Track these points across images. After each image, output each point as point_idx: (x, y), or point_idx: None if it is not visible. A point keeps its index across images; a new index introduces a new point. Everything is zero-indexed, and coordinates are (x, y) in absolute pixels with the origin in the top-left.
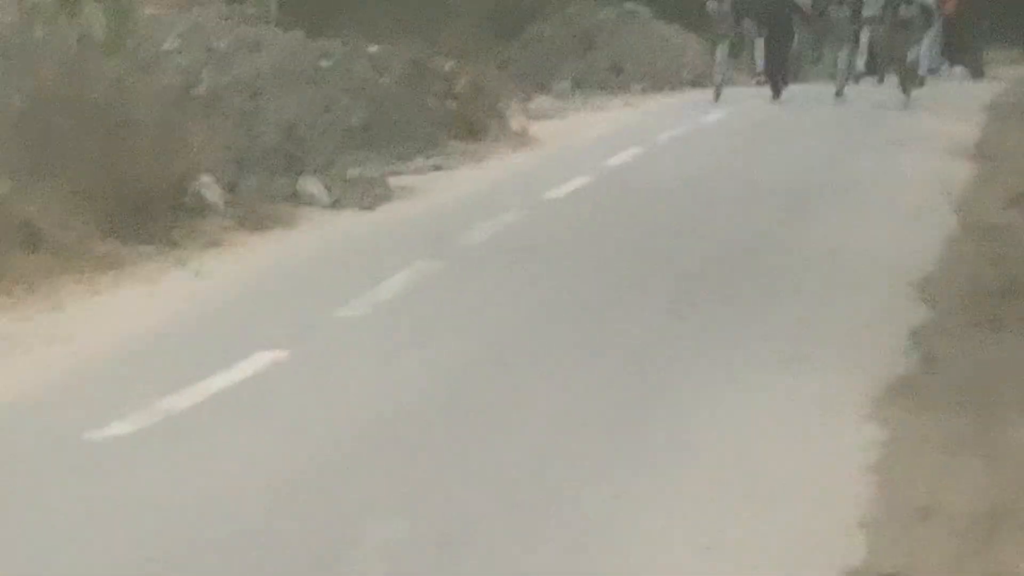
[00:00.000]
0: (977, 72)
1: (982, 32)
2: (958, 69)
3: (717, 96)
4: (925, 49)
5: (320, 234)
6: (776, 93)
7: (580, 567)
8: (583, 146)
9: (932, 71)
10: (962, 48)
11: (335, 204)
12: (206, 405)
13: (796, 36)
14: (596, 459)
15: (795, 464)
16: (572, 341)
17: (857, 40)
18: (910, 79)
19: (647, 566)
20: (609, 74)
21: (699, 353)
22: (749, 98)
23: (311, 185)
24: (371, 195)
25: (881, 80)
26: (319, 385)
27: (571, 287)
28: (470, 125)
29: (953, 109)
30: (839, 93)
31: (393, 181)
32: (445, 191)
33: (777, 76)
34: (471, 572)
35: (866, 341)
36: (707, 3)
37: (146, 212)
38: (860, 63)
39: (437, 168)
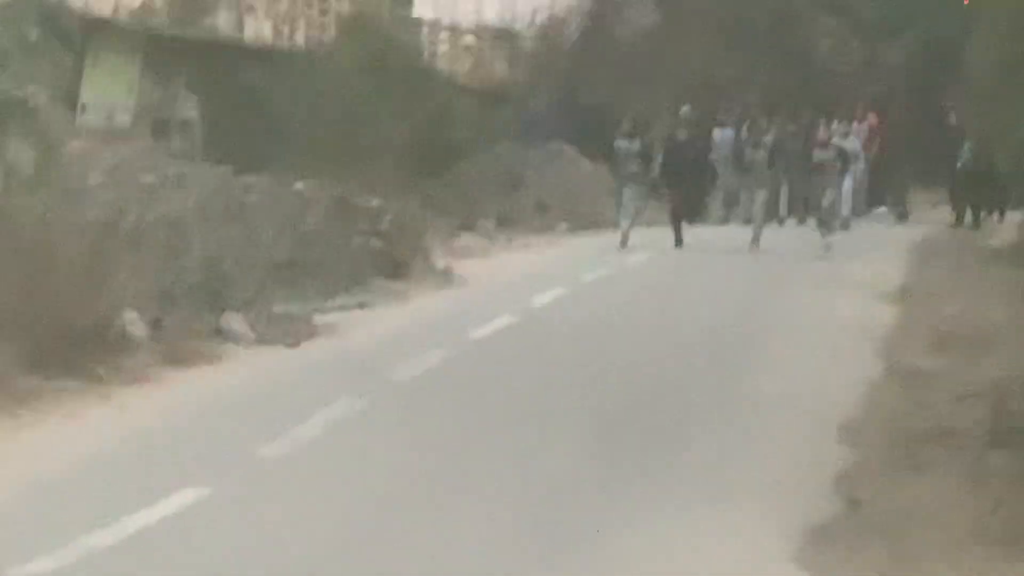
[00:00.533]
0: (902, 215)
1: (906, 175)
2: (883, 211)
3: (624, 242)
4: (848, 192)
5: (244, 371)
6: (678, 241)
7: None
8: (508, 285)
9: (858, 214)
10: (887, 191)
11: (259, 340)
12: (129, 542)
13: (717, 179)
14: None
15: None
16: (495, 481)
17: (777, 184)
18: (827, 224)
19: None
20: (535, 212)
21: (623, 494)
22: (669, 241)
23: (235, 321)
24: (295, 332)
25: (801, 222)
26: (241, 524)
27: (495, 427)
28: (395, 263)
29: (878, 251)
30: (755, 241)
31: (317, 318)
32: (369, 329)
33: (678, 223)
34: None
35: (790, 484)
36: (616, 141)
37: (70, 347)
38: (783, 206)
39: (362, 306)
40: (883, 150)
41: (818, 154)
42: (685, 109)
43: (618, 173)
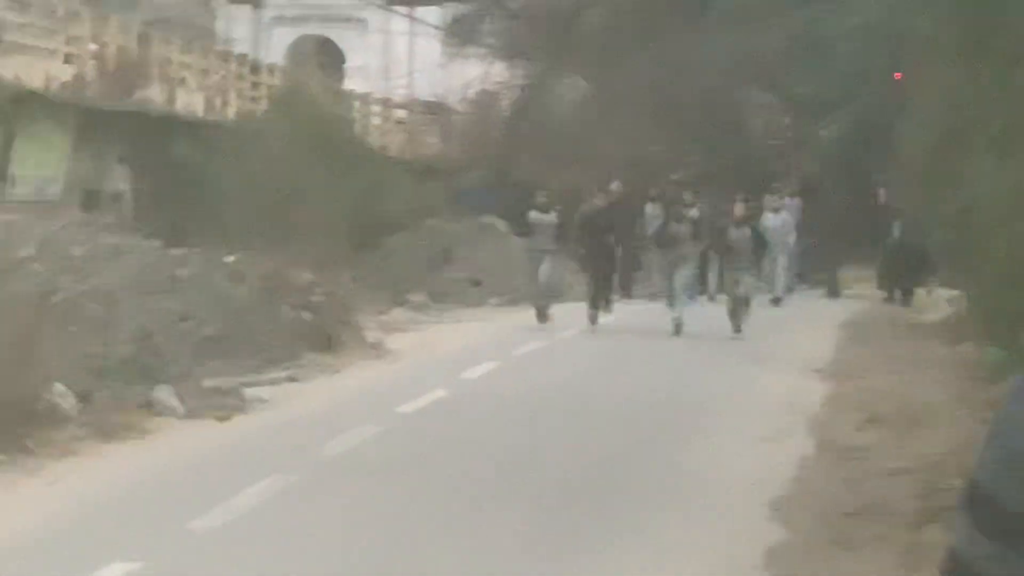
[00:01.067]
0: (833, 291)
1: (837, 252)
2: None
3: (542, 318)
4: (781, 268)
5: (175, 444)
6: (592, 319)
7: None
8: (439, 359)
9: (790, 289)
10: (820, 267)
11: (190, 414)
12: None
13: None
14: None
15: None
16: (428, 557)
17: (704, 260)
18: (739, 310)
19: None
20: (466, 287)
21: (562, 568)
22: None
23: (166, 395)
24: (226, 406)
25: (711, 299)
26: None
27: (426, 503)
28: (326, 337)
29: (809, 327)
30: (675, 323)
31: (248, 392)
32: (300, 403)
33: (598, 299)
34: None
35: (722, 562)
36: (529, 213)
37: None
38: (712, 282)
39: (292, 379)
40: (810, 225)
41: (733, 233)
42: (615, 185)
43: (532, 247)
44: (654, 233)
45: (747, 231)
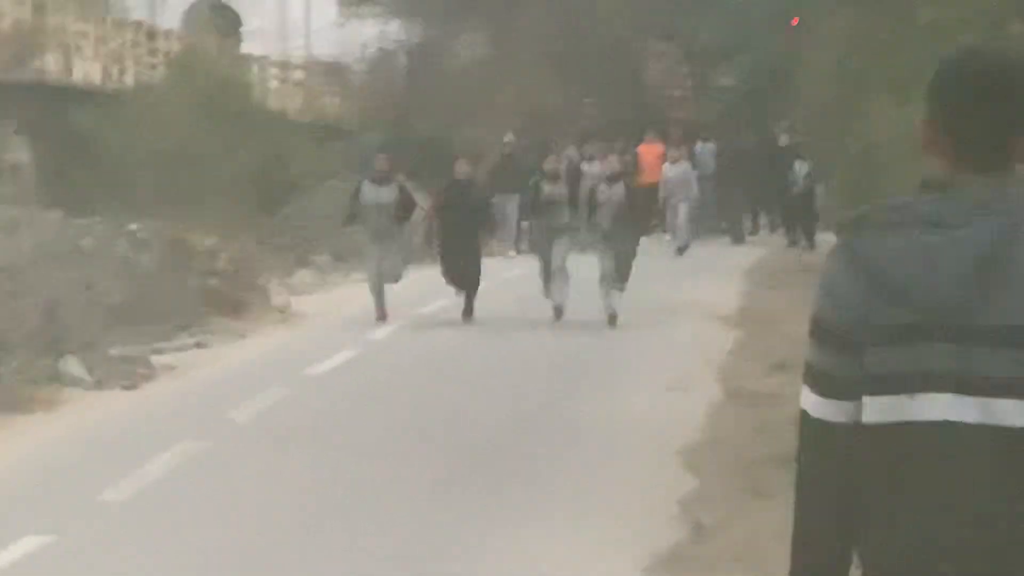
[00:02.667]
0: (738, 237)
1: (740, 198)
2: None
3: (380, 313)
4: (685, 217)
5: (84, 415)
6: (468, 312)
7: None
8: (345, 320)
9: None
10: (724, 214)
11: (98, 384)
12: None
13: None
14: None
15: None
16: (344, 517)
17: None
18: (611, 290)
19: None
20: None
21: (472, 525)
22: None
23: (73, 366)
24: (134, 374)
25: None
26: (87, 570)
27: (338, 463)
28: (232, 302)
29: (714, 275)
30: (557, 311)
31: (156, 359)
32: (208, 369)
33: (462, 283)
34: None
35: (636, 510)
36: (362, 186)
37: None
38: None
39: (200, 345)
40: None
41: (603, 191)
42: (508, 137)
43: (367, 226)
44: (524, 199)
45: (620, 189)
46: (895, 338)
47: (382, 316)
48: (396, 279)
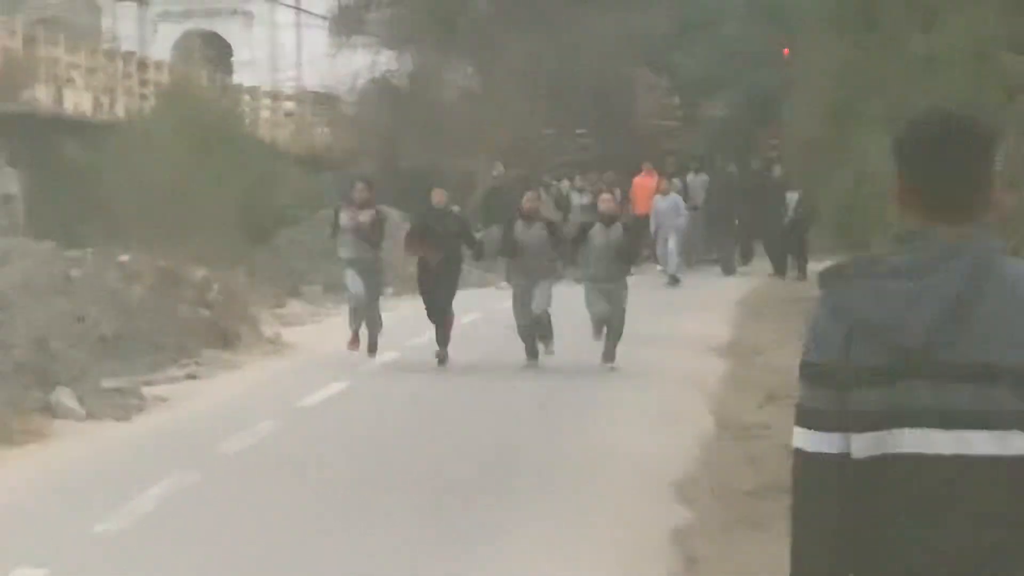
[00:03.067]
0: (728, 268)
1: (731, 229)
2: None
3: (364, 344)
4: (675, 248)
5: (75, 447)
6: (441, 356)
7: None
8: (337, 352)
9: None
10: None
11: (90, 415)
12: None
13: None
14: None
15: None
16: (333, 549)
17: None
18: (609, 332)
19: None
20: None
21: (460, 555)
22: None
23: (65, 397)
24: (126, 406)
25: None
26: None
27: (329, 496)
28: (223, 333)
29: (706, 306)
30: (531, 362)
31: (147, 391)
32: (200, 400)
33: (437, 322)
34: None
35: (628, 543)
36: (340, 213)
37: None
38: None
39: (191, 377)
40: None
41: (597, 237)
42: (498, 169)
43: (344, 255)
44: (497, 239)
45: (618, 231)
46: (875, 378)
47: (355, 342)
48: (375, 305)
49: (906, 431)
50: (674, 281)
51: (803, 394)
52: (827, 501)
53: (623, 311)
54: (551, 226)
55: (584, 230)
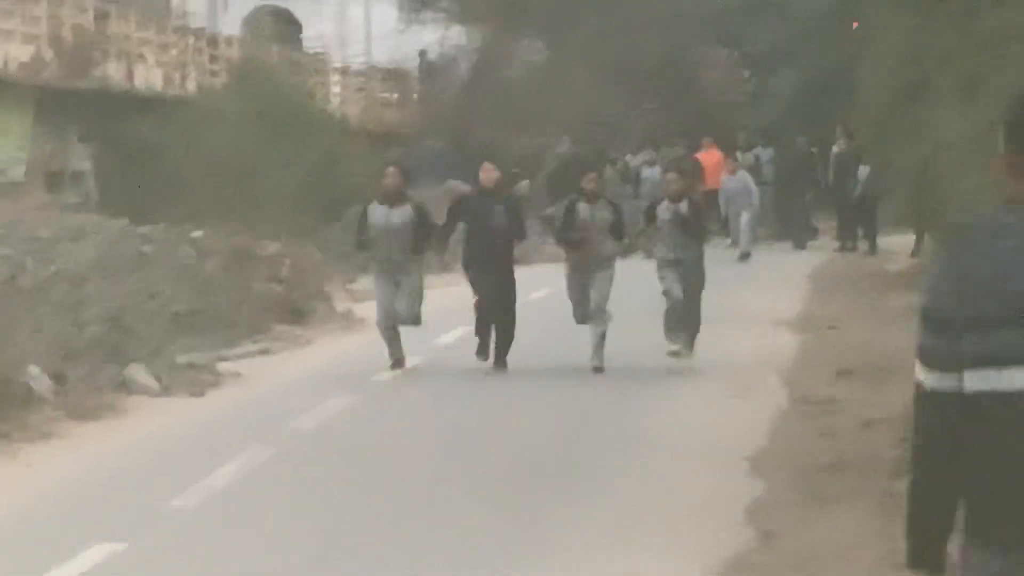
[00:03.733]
0: (799, 243)
1: (804, 203)
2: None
3: (397, 362)
4: (748, 223)
5: (151, 423)
6: (483, 353)
7: None
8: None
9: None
10: (787, 220)
11: (164, 391)
12: None
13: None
14: None
15: None
16: (408, 527)
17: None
18: (676, 325)
19: None
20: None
21: (533, 538)
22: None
23: (139, 373)
24: (200, 382)
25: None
26: None
27: (405, 471)
28: (296, 308)
29: (778, 281)
30: (596, 368)
31: (221, 366)
32: (273, 376)
33: (485, 332)
34: None
35: (704, 518)
36: (369, 208)
37: None
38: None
39: (265, 352)
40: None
41: (663, 214)
42: (564, 144)
43: (376, 256)
44: (557, 223)
45: (684, 207)
46: (984, 324)
47: (399, 364)
48: (415, 321)
49: (1012, 370)
50: (745, 256)
51: (922, 337)
52: (943, 429)
53: (699, 302)
54: (616, 208)
55: (652, 208)
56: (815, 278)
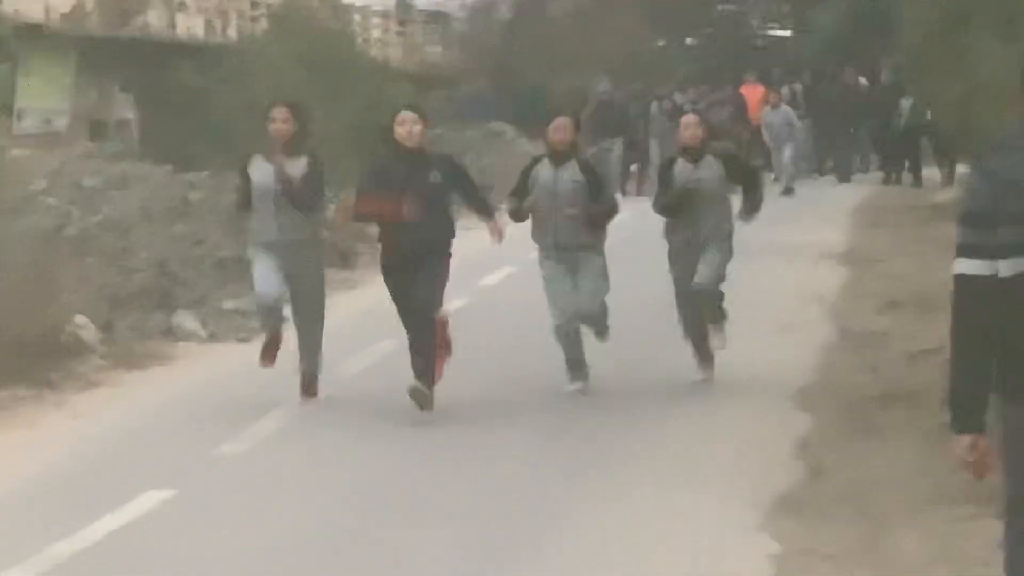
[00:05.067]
0: (844, 176)
1: (849, 138)
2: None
3: (270, 356)
4: (790, 158)
5: (198, 369)
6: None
7: None
8: (455, 268)
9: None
10: (830, 153)
11: (211, 338)
12: (98, 548)
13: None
14: None
15: None
16: (454, 475)
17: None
18: (704, 311)
19: None
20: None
21: (587, 474)
22: None
23: (186, 320)
24: (247, 327)
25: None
26: (209, 523)
27: (450, 421)
28: (341, 252)
29: (821, 215)
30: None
31: None
32: None
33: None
34: None
35: (753, 453)
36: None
37: (21, 355)
38: None
39: None
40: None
41: (682, 173)
42: (603, 84)
43: (258, 234)
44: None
45: (712, 167)
46: (1016, 220)
47: (271, 359)
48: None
49: None
50: (789, 191)
51: (962, 234)
52: (980, 307)
53: (719, 275)
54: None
55: (667, 167)
56: (860, 211)
